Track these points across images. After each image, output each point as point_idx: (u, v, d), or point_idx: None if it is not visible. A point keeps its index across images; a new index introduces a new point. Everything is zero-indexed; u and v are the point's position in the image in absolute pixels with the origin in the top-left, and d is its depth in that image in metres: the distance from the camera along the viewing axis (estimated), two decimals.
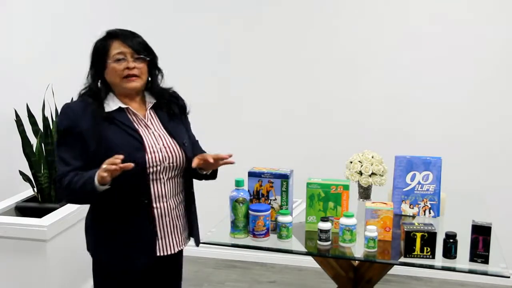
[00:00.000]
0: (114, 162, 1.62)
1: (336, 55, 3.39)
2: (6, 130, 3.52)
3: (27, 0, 3.80)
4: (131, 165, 1.64)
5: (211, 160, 1.81)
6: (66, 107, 1.85)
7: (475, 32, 3.17)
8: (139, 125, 1.85)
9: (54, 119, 3.16)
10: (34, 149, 3.09)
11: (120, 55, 1.81)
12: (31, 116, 3.11)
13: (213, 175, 1.99)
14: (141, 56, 1.84)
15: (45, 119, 3.04)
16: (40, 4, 3.77)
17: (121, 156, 1.64)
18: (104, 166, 1.63)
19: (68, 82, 3.34)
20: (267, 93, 3.53)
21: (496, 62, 3.18)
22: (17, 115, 3.10)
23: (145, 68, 1.86)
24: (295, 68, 3.47)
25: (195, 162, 1.83)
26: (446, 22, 3.20)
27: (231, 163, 1.86)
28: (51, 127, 3.07)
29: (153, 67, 1.92)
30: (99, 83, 1.85)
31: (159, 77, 1.95)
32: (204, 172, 1.94)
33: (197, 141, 2.10)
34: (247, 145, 3.57)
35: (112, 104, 1.83)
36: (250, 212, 1.96)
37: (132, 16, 3.61)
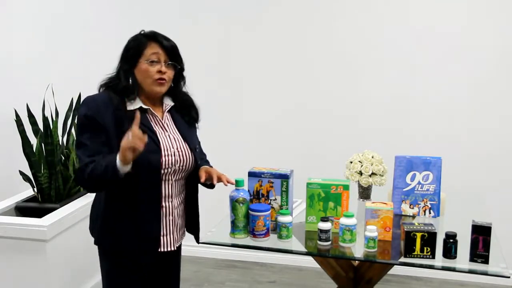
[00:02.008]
0: (139, 136, 1.64)
1: (336, 55, 3.39)
2: (6, 130, 3.51)
3: (27, 0, 3.80)
4: (145, 140, 1.66)
5: (215, 181, 1.90)
6: (89, 98, 1.84)
7: (475, 32, 3.17)
8: (157, 127, 1.89)
9: (54, 119, 3.16)
10: (34, 149, 3.09)
11: (155, 57, 1.83)
12: (31, 116, 3.11)
13: (212, 185, 2.02)
14: (173, 63, 1.87)
15: (45, 119, 3.04)
16: (40, 4, 3.78)
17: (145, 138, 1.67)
18: (125, 142, 1.64)
19: (68, 82, 3.38)
20: (267, 93, 3.53)
21: (496, 62, 3.18)
22: (17, 115, 3.10)
23: (172, 74, 1.90)
24: (295, 68, 3.47)
25: (202, 178, 1.91)
26: (446, 22, 3.20)
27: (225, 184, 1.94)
28: (51, 127, 3.06)
29: (180, 75, 1.96)
30: (130, 81, 1.85)
31: (182, 83, 2.00)
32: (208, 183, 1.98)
33: (199, 142, 2.12)
34: (247, 145, 3.58)
35: (134, 103, 1.85)
36: (250, 212, 1.96)
37: (131, 16, 3.61)
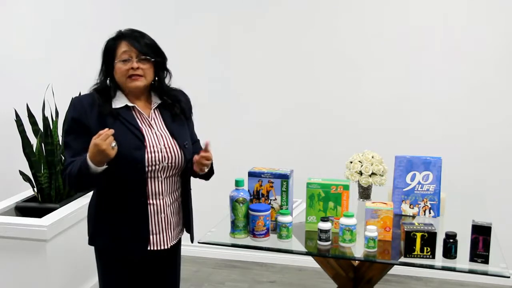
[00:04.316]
0: (104, 134, 1.67)
1: (336, 55, 3.39)
2: (6, 130, 3.51)
3: (27, 0, 3.80)
4: (111, 130, 1.69)
5: (206, 153, 1.88)
6: (75, 99, 1.92)
7: (475, 32, 3.17)
8: (143, 124, 1.90)
9: (54, 119, 3.16)
10: (34, 149, 3.09)
11: (126, 55, 1.85)
12: (31, 116, 3.11)
13: (207, 176, 2.04)
14: (146, 57, 1.87)
15: (45, 119, 3.04)
16: (40, 4, 3.77)
17: (111, 131, 1.69)
18: (94, 143, 1.67)
19: (68, 82, 3.37)
20: (267, 93, 3.53)
21: (496, 62, 3.18)
22: (17, 115, 3.10)
23: (150, 68, 1.89)
24: (295, 68, 3.47)
25: (196, 167, 1.91)
26: (446, 22, 3.20)
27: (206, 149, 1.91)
28: (51, 127, 3.07)
29: (161, 68, 1.95)
30: (108, 81, 1.90)
31: (167, 78, 1.99)
32: (200, 173, 1.98)
33: (198, 140, 2.13)
34: (247, 145, 3.58)
35: (119, 101, 1.88)
36: (250, 212, 1.96)
37: (132, 16, 3.61)
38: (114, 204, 1.87)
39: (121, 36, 1.88)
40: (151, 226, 1.90)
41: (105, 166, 1.73)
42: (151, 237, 1.90)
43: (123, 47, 1.85)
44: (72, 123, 1.85)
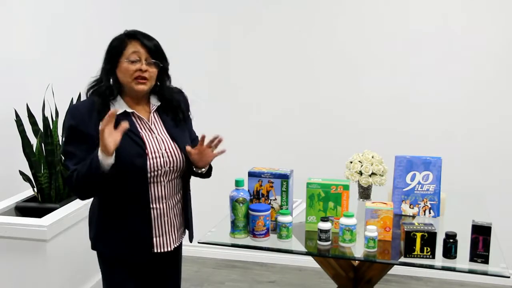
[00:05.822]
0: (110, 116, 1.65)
1: (336, 55, 3.39)
2: (6, 130, 3.51)
3: (27, 0, 3.80)
4: (126, 126, 1.67)
5: (205, 145, 1.87)
6: (73, 107, 1.88)
7: (474, 33, 3.17)
8: (143, 129, 1.87)
9: (54, 119, 3.16)
10: (34, 149, 3.09)
11: (135, 56, 1.81)
12: (31, 116, 3.11)
13: (207, 174, 2.02)
14: (155, 61, 1.85)
15: (45, 119, 3.04)
16: (40, 4, 3.77)
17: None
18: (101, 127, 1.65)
19: (68, 82, 3.37)
20: (267, 93, 3.53)
21: (496, 62, 3.18)
22: (17, 115, 3.10)
23: (155, 73, 1.87)
24: (296, 68, 3.47)
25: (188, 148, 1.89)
26: (446, 22, 3.20)
27: (222, 151, 1.91)
28: (51, 127, 3.07)
29: (164, 73, 1.93)
30: (111, 81, 1.86)
31: (167, 82, 1.97)
32: (199, 171, 1.96)
33: (197, 137, 2.12)
34: (247, 145, 3.58)
35: (118, 107, 1.84)
36: (250, 212, 1.97)
37: (132, 16, 3.61)
38: (117, 210, 1.86)
39: (131, 36, 1.84)
40: (155, 230, 1.89)
41: (113, 160, 1.69)
42: (155, 240, 1.90)
43: (133, 46, 1.82)
44: (71, 132, 1.81)
